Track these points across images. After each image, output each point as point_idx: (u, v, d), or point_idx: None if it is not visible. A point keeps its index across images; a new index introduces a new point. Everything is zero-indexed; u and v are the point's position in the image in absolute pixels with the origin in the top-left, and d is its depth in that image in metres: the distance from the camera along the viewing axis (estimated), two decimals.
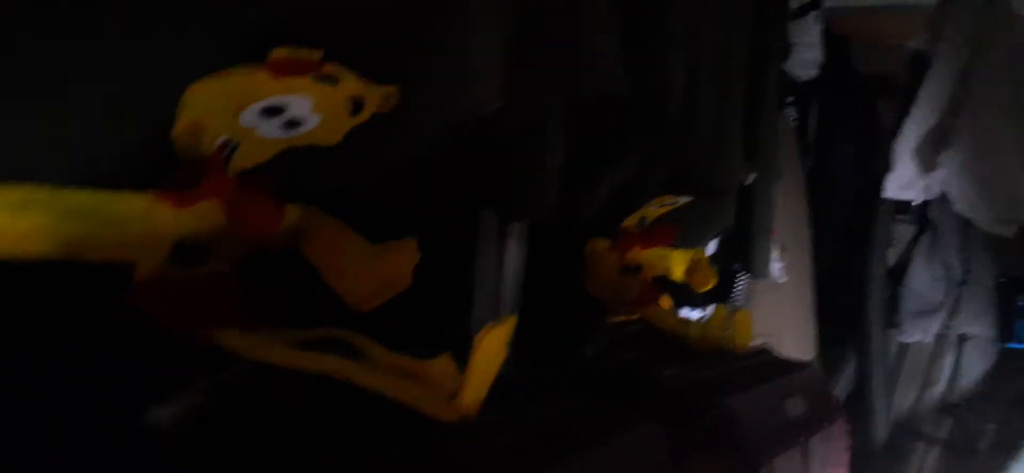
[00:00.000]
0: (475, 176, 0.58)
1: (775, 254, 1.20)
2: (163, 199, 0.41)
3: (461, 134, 0.52)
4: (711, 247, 1.17)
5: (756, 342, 0.95)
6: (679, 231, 0.93)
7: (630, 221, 0.86)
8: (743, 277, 1.19)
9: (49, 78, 0.34)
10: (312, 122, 0.43)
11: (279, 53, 0.39)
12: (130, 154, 0.39)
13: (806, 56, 1.41)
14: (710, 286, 0.97)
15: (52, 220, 0.37)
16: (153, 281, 0.42)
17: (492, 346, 0.41)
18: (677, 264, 0.98)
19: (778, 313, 1.28)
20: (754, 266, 1.12)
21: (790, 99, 1.56)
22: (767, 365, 0.76)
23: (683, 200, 0.86)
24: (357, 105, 0.44)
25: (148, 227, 0.41)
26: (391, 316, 0.52)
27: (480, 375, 0.40)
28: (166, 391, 0.38)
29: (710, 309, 0.90)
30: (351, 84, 0.43)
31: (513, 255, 0.63)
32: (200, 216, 0.43)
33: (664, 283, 0.94)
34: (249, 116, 0.41)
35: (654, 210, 0.87)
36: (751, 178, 1.06)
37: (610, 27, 0.64)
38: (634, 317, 0.89)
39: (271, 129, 0.42)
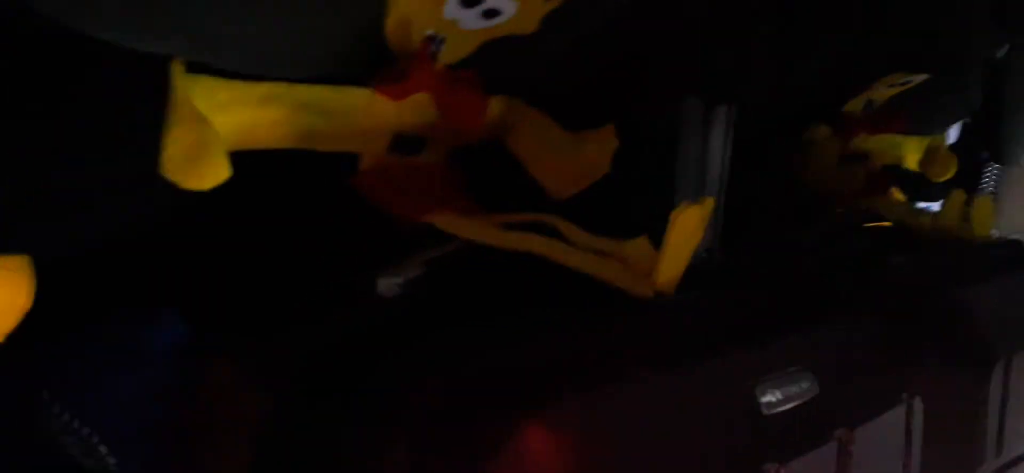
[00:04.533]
0: (677, 57, 0.56)
1: None
2: (381, 93, 0.44)
3: (661, 8, 0.51)
4: (953, 134, 1.05)
5: (1005, 235, 0.85)
6: (913, 115, 0.84)
7: (854, 104, 0.79)
8: (992, 167, 1.06)
9: None
10: (509, 9, 0.45)
11: None
12: (350, 52, 0.43)
13: None
14: (949, 176, 0.88)
15: (290, 112, 0.42)
16: (376, 169, 0.47)
17: (689, 224, 0.40)
18: (910, 152, 0.89)
19: None
20: (1004, 152, 0.99)
21: None
22: (1012, 259, 0.68)
23: (917, 78, 0.78)
24: (551, 4, 0.45)
25: (370, 119, 0.45)
26: (591, 203, 0.53)
27: (676, 251, 0.41)
28: (389, 263, 0.42)
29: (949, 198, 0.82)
30: None
31: (718, 142, 0.61)
32: (414, 109, 0.47)
33: (895, 174, 0.86)
34: (451, 8, 0.43)
35: (883, 91, 0.80)
36: (1004, 50, 0.93)
37: None
38: (858, 209, 0.83)
39: (471, 19, 0.44)
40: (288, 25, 0.38)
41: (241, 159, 0.40)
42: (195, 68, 0.38)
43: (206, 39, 0.38)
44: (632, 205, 0.56)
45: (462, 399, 0.34)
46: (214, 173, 0.37)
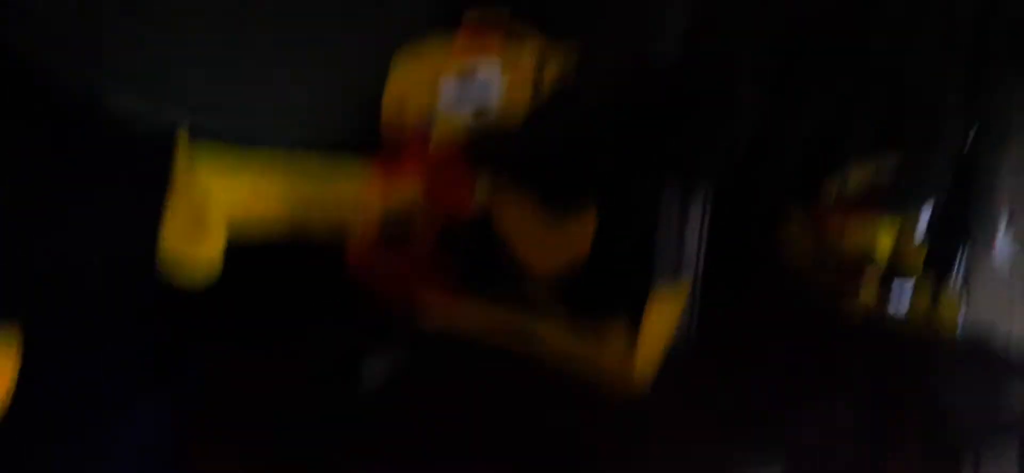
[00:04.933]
0: (656, 141, 0.58)
1: (1002, 226, 1.08)
2: (375, 168, 0.46)
3: (640, 92, 0.53)
4: (925, 216, 1.07)
5: (974, 324, 0.87)
6: (885, 197, 0.86)
7: (829, 188, 0.81)
8: (965, 250, 1.08)
9: (281, 53, 0.39)
10: (498, 86, 0.46)
11: (472, 14, 0.42)
12: (346, 123, 0.44)
13: None
14: (920, 259, 0.89)
15: (288, 181, 0.44)
16: (366, 252, 0.48)
17: (663, 313, 0.42)
18: (883, 235, 0.91)
19: (1006, 293, 1.15)
20: (975, 234, 1.02)
21: None
22: (982, 351, 0.70)
23: (886, 163, 0.80)
24: (537, 86, 0.46)
25: (362, 192, 0.46)
26: (572, 281, 0.54)
27: (654, 338, 0.42)
28: (377, 347, 0.43)
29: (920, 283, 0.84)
30: (535, 43, 0.45)
31: (695, 223, 0.62)
32: (404, 187, 0.48)
33: (868, 257, 0.88)
34: (445, 88, 0.45)
35: (855, 175, 0.82)
36: (971, 138, 0.95)
37: None
38: (833, 292, 0.85)
39: (464, 106, 0.46)
40: (291, 99, 0.40)
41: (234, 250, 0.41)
42: (199, 133, 0.40)
43: (210, 108, 0.39)
44: (611, 284, 0.57)
45: None
46: (212, 243, 0.38)
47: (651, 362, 0.43)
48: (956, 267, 1.08)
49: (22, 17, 0.34)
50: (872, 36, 0.72)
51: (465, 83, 0.45)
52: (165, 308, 0.40)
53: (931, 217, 1.05)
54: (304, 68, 0.41)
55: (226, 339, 0.43)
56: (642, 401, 0.40)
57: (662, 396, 0.42)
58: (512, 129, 0.51)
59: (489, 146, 0.51)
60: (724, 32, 0.57)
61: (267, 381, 0.41)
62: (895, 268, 0.89)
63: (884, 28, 0.73)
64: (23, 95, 0.37)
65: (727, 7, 0.57)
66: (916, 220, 0.99)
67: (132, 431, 0.40)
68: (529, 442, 0.35)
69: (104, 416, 0.40)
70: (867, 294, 0.80)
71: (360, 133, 0.46)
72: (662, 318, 0.42)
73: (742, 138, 0.63)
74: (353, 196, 0.46)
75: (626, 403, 0.40)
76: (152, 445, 0.39)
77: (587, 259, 0.55)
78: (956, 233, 1.07)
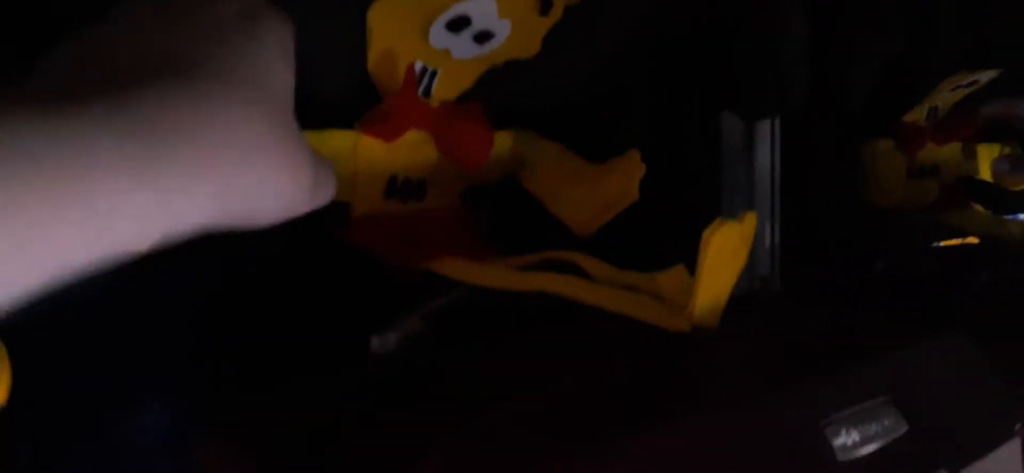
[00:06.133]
0: (704, 71, 0.51)
1: None
2: (369, 133, 0.40)
3: (674, 17, 0.46)
4: None
5: None
6: (984, 121, 0.77)
7: (916, 114, 0.72)
8: None
9: None
10: (503, 30, 0.40)
11: None
12: (331, 92, 0.39)
13: None
14: None
15: None
16: (369, 217, 0.42)
17: (724, 245, 0.34)
18: (985, 160, 0.81)
19: None
20: None
21: None
22: None
23: (985, 77, 0.71)
24: (545, 2, 0.40)
25: (358, 164, 0.41)
26: (622, 238, 0.47)
27: (713, 277, 0.34)
28: (386, 319, 0.37)
29: None
30: None
31: (764, 159, 0.54)
32: (410, 149, 0.42)
33: (971, 185, 0.78)
34: (437, 35, 0.39)
35: (947, 96, 0.72)
36: None
37: None
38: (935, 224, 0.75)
39: (463, 46, 0.40)
40: None
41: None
42: None
43: None
44: (670, 232, 0.50)
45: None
46: None
47: (713, 305, 0.35)
48: None
49: None
50: None
51: (459, 25, 0.39)
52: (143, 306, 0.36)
53: None
54: None
55: (218, 331, 0.38)
56: (705, 344, 0.33)
57: (732, 340, 0.35)
58: (531, 71, 0.45)
59: (507, 94, 0.45)
60: None
61: (269, 371, 0.36)
62: (1003, 194, 0.79)
63: None
64: None
65: None
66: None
67: (132, 446, 0.35)
68: (583, 398, 0.28)
69: (102, 433, 0.36)
70: (978, 222, 0.70)
71: (351, 101, 0.40)
72: (723, 254, 0.35)
73: (800, 63, 0.55)
74: (347, 169, 0.41)
75: (686, 346, 0.33)
76: (155, 456, 0.35)
77: (637, 209, 0.48)
78: None
